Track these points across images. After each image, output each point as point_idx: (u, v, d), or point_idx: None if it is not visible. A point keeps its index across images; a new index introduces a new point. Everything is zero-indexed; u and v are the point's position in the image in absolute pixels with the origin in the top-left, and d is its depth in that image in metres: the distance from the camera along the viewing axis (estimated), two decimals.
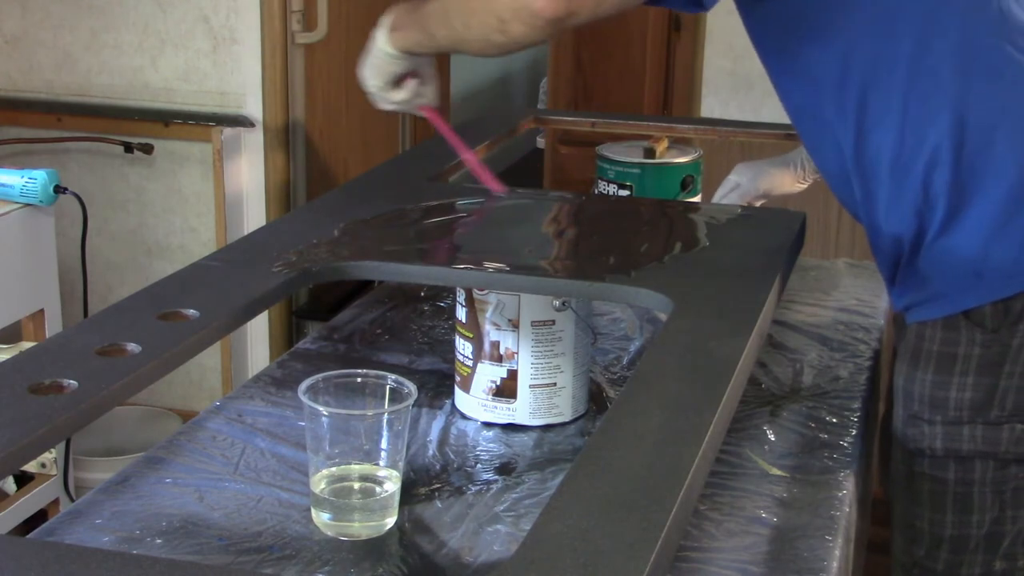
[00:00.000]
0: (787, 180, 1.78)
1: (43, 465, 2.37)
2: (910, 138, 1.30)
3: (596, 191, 1.90)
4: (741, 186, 1.76)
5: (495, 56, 1.36)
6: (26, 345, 2.28)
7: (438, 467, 1.24)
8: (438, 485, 1.19)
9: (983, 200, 1.29)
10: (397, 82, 1.50)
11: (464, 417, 1.35)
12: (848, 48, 1.31)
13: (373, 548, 1.07)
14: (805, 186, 1.80)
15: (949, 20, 1.29)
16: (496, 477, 1.22)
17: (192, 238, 3.06)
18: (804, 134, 1.44)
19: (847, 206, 1.43)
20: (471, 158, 1.60)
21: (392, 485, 1.10)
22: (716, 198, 1.78)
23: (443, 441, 1.30)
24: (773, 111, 1.77)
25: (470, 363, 1.34)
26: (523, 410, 1.33)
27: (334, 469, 1.10)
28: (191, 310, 1.16)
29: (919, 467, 1.38)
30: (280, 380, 1.44)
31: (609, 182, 1.86)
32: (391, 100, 1.52)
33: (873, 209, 1.36)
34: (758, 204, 1.80)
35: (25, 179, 2.27)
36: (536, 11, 1.24)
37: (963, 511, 1.37)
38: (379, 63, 1.48)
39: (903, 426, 1.40)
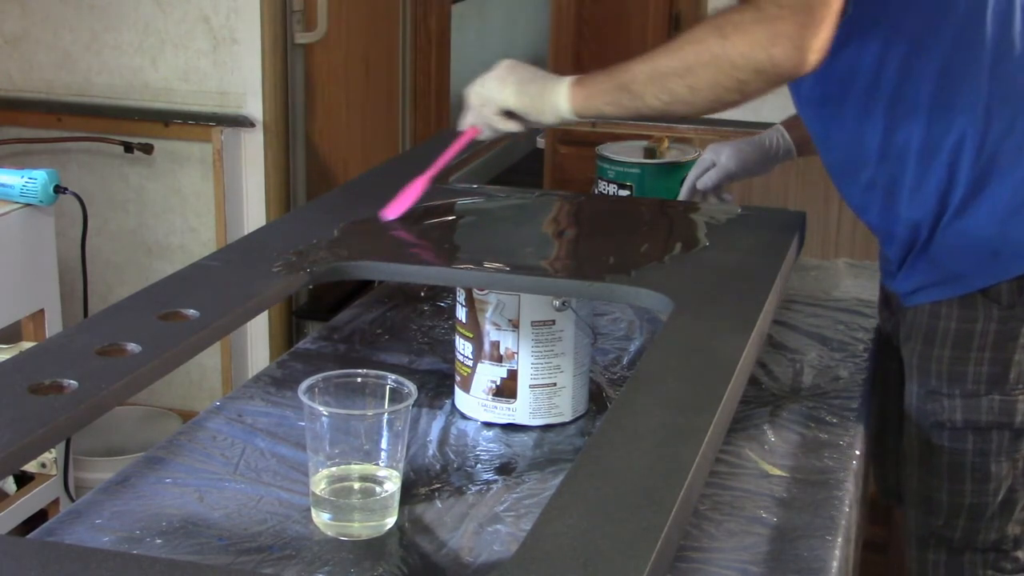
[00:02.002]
0: (761, 159, 1.77)
1: (43, 465, 2.37)
2: (938, 126, 1.35)
3: (596, 191, 1.90)
4: (719, 165, 1.75)
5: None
6: (26, 345, 2.28)
7: (438, 467, 1.24)
8: (438, 485, 1.19)
9: (1000, 183, 1.35)
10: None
11: (464, 417, 1.35)
12: (886, 47, 1.35)
13: (373, 548, 1.07)
14: (776, 164, 1.79)
15: (984, 18, 1.33)
16: (496, 477, 1.22)
17: (192, 238, 3.06)
18: (817, 128, 1.46)
19: (853, 196, 1.47)
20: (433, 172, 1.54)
21: (392, 485, 1.10)
22: (691, 177, 1.76)
23: (443, 441, 1.30)
24: (773, 111, 1.76)
25: (470, 363, 1.34)
26: (523, 410, 1.33)
27: (334, 469, 1.10)
28: (191, 310, 1.16)
29: (938, 440, 1.44)
30: (280, 380, 1.44)
31: (609, 182, 1.87)
32: (500, 128, 1.45)
33: (895, 196, 1.40)
34: (733, 183, 1.79)
35: (25, 179, 2.27)
36: (782, 71, 1.22)
37: (981, 480, 1.43)
38: (540, 116, 1.40)
39: (919, 402, 1.46)
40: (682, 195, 1.77)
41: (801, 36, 1.20)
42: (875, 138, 1.38)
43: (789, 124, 1.73)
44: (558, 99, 1.37)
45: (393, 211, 1.49)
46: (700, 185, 1.75)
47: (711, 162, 1.76)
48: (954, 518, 1.46)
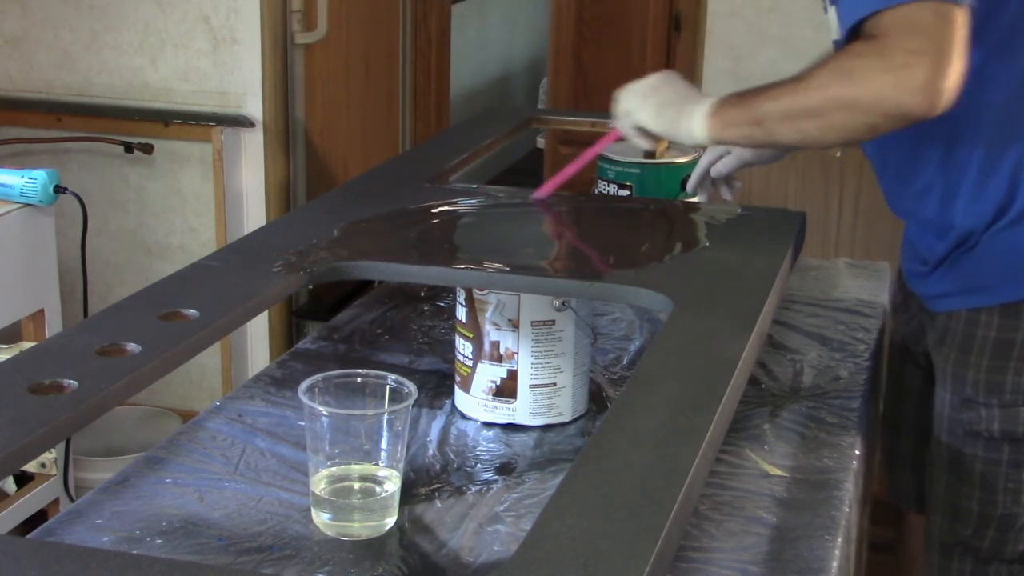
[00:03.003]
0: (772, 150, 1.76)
1: (43, 465, 2.37)
2: (1000, 139, 1.35)
3: (596, 191, 1.90)
4: (734, 152, 1.72)
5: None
6: (26, 345, 2.28)
7: (438, 467, 1.24)
8: (438, 485, 1.19)
9: None
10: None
11: (464, 417, 1.35)
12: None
13: (373, 548, 1.07)
14: (789, 154, 1.78)
15: None
16: (496, 477, 1.22)
17: (192, 238, 3.06)
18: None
19: (904, 199, 1.47)
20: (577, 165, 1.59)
21: (392, 485, 1.10)
22: (703, 163, 1.73)
23: (443, 441, 1.30)
24: None
25: (470, 363, 1.34)
26: (523, 410, 1.33)
27: (334, 469, 1.10)
28: (191, 310, 1.16)
29: (972, 449, 1.44)
30: (280, 380, 1.44)
31: (609, 182, 1.86)
32: (633, 142, 1.52)
33: (951, 203, 1.40)
34: (739, 171, 1.78)
35: (25, 179, 2.27)
36: (911, 114, 1.22)
37: (1015, 491, 1.43)
38: (676, 139, 1.45)
39: (954, 411, 1.45)
40: (692, 181, 1.75)
41: (932, 82, 1.18)
42: (935, 151, 1.39)
43: None
44: (694, 127, 1.39)
45: (543, 192, 1.58)
46: (714, 172, 1.72)
47: (725, 149, 1.75)
48: (984, 528, 1.46)
